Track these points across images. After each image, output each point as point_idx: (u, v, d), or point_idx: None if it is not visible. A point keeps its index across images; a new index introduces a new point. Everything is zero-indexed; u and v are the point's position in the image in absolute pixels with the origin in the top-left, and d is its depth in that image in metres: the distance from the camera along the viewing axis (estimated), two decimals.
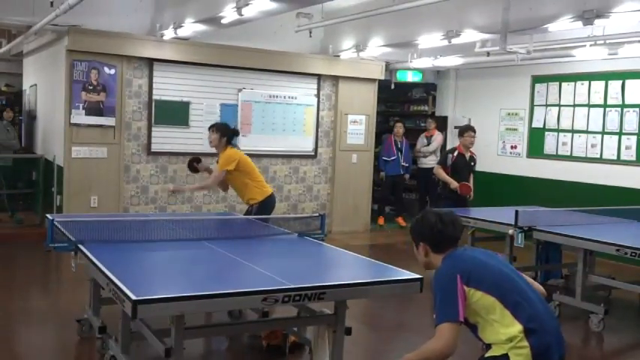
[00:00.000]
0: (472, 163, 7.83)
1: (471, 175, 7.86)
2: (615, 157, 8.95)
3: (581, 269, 5.94)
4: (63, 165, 8.36)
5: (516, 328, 2.68)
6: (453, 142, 11.64)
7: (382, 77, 10.43)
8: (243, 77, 9.36)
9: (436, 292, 2.77)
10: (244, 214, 6.36)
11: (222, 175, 6.17)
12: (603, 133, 9.11)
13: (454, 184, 7.51)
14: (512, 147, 10.48)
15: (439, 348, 2.67)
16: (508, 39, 6.67)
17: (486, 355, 2.75)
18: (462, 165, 7.67)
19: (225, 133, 6.23)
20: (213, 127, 6.26)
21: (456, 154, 7.70)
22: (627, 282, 6.26)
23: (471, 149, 7.81)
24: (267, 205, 6.24)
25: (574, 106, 9.53)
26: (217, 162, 6.30)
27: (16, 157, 9.43)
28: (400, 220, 10.98)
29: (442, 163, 7.76)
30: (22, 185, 9.78)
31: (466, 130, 7.75)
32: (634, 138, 8.76)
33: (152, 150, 8.83)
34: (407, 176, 11.19)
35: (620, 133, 8.92)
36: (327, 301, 3.64)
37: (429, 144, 11.27)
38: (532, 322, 2.69)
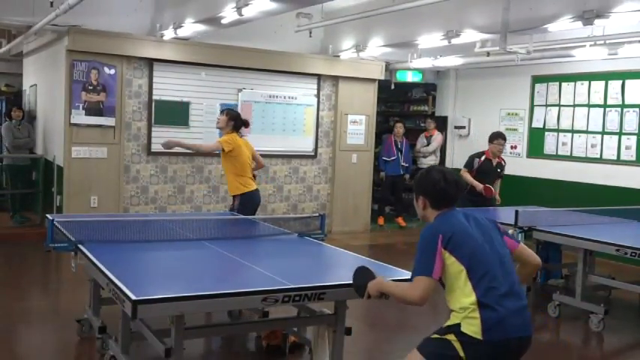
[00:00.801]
0: (499, 170, 7.71)
1: (498, 180, 7.79)
2: (615, 157, 8.95)
3: (581, 269, 5.94)
4: (63, 165, 8.36)
5: (471, 298, 2.83)
6: (452, 142, 11.67)
7: (382, 77, 10.43)
8: (243, 77, 9.36)
9: (419, 247, 2.97)
10: (230, 208, 6.51)
11: (217, 146, 6.29)
12: (603, 133, 9.11)
13: (479, 186, 7.45)
14: (512, 147, 10.48)
15: (411, 296, 2.91)
16: (508, 39, 6.68)
17: (444, 324, 2.92)
18: (487, 170, 7.59)
19: (234, 118, 6.33)
20: (225, 110, 6.42)
21: (483, 158, 7.61)
22: (627, 282, 6.26)
23: (500, 155, 7.70)
24: (248, 198, 6.29)
25: (574, 106, 9.53)
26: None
27: (16, 157, 9.42)
28: (400, 220, 10.98)
29: (468, 166, 7.66)
30: (21, 185, 9.77)
31: (495, 138, 7.60)
32: (634, 138, 8.76)
33: (152, 150, 8.82)
34: (407, 176, 11.18)
35: (620, 133, 8.92)
36: (327, 301, 3.64)
37: (428, 144, 11.28)
38: (488, 296, 2.82)
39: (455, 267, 2.88)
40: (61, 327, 5.24)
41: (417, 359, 2.97)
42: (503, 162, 7.76)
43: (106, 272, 3.49)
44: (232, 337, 5.20)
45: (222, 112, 6.48)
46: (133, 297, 3.00)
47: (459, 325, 2.84)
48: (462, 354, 2.82)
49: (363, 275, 3.25)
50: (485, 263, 2.89)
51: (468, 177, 7.52)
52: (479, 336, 2.78)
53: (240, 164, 6.29)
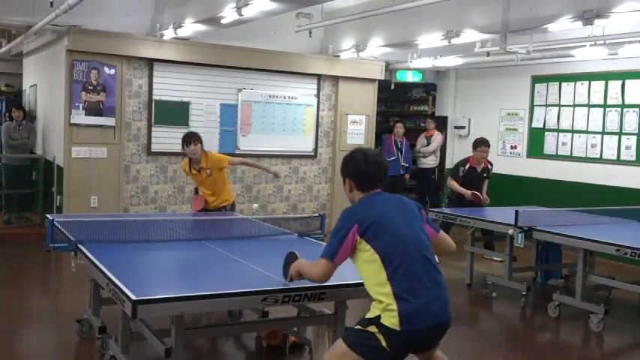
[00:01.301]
0: (485, 175, 7.81)
1: (485, 183, 7.88)
2: (615, 157, 8.95)
3: (581, 269, 5.94)
4: (63, 165, 8.36)
5: (386, 289, 2.90)
6: (452, 142, 11.67)
7: (382, 77, 10.43)
8: (243, 77, 9.36)
9: (334, 228, 3.05)
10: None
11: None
12: (603, 133, 9.11)
13: (467, 193, 7.57)
14: (512, 147, 10.48)
15: (313, 274, 3.12)
16: (508, 39, 6.67)
17: (366, 316, 2.98)
18: (472, 177, 7.72)
19: (201, 141, 6.22)
20: (195, 139, 6.13)
21: (467, 166, 7.72)
22: (627, 282, 6.25)
23: (485, 160, 7.78)
24: (234, 208, 6.49)
25: (574, 106, 9.53)
26: (202, 170, 6.17)
27: (16, 157, 9.41)
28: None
29: (453, 175, 7.76)
30: (18, 185, 9.77)
31: (479, 145, 7.68)
32: (634, 138, 8.76)
33: (152, 150, 8.82)
34: (407, 176, 11.18)
35: (620, 133, 8.92)
36: (327, 301, 3.64)
37: (428, 144, 11.27)
38: (404, 288, 2.89)
39: (369, 255, 2.95)
40: (61, 327, 5.24)
41: (341, 349, 3.02)
42: (489, 165, 7.85)
43: (106, 272, 3.49)
44: (232, 337, 5.20)
45: (192, 141, 6.08)
46: (133, 297, 3.00)
47: (379, 317, 2.91)
48: (384, 344, 2.89)
49: (289, 260, 3.36)
50: (402, 253, 2.93)
51: (455, 185, 7.68)
52: (397, 327, 2.86)
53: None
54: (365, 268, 3.00)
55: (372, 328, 2.93)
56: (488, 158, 7.87)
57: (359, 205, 3.09)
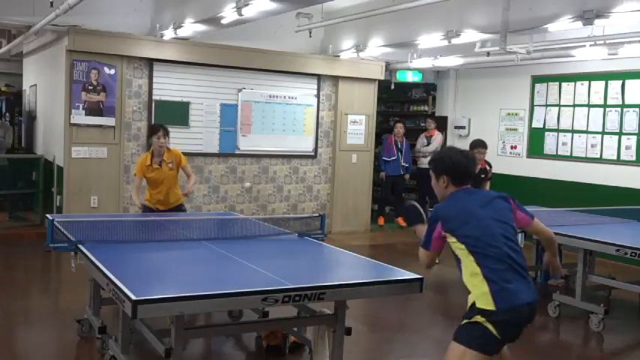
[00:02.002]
0: (482, 175, 7.76)
1: (487, 183, 7.87)
2: (615, 157, 8.95)
3: (581, 269, 5.94)
4: (63, 165, 8.36)
5: (478, 275, 3.09)
6: (453, 142, 11.67)
7: (382, 77, 10.43)
8: (243, 77, 9.36)
9: (428, 221, 3.37)
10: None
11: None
12: (603, 133, 9.11)
13: None
14: (512, 147, 10.48)
15: (421, 260, 3.40)
16: (508, 39, 6.67)
17: (467, 308, 3.13)
18: None
19: (169, 133, 6.27)
20: (165, 131, 6.14)
21: None
22: (627, 282, 6.26)
23: (482, 161, 7.68)
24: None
25: (574, 106, 9.53)
26: (163, 162, 6.19)
27: (16, 157, 9.42)
28: (400, 220, 10.97)
29: None
30: (22, 185, 9.78)
31: (475, 146, 7.60)
32: (634, 138, 8.76)
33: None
34: (407, 176, 11.19)
35: (620, 133, 8.92)
36: (327, 301, 3.64)
37: (429, 144, 11.27)
38: (492, 272, 3.07)
39: (457, 245, 3.17)
40: (61, 327, 5.24)
41: (459, 350, 3.08)
42: (487, 166, 7.81)
43: (106, 272, 3.49)
44: (232, 337, 5.20)
45: (162, 134, 6.09)
46: (133, 297, 3.01)
47: (474, 303, 3.07)
48: (494, 331, 3.02)
49: (415, 216, 3.61)
50: (488, 241, 3.12)
51: None
52: (492, 307, 3.01)
53: None
54: (458, 258, 3.22)
55: (478, 318, 3.04)
56: (486, 159, 7.87)
57: (446, 202, 3.33)
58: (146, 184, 6.34)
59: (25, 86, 11.21)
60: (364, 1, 8.08)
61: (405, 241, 9.96)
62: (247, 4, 6.33)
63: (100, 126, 8.41)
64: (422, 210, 3.62)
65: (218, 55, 8.96)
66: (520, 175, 10.09)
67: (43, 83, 9.84)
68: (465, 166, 3.35)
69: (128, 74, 8.58)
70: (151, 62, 8.68)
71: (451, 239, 3.20)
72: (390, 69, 10.79)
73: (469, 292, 3.15)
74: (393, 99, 12.70)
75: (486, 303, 3.03)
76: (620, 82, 8.91)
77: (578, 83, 9.45)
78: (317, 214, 5.28)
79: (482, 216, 3.20)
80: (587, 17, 6.02)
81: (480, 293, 3.07)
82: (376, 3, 7.37)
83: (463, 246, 3.15)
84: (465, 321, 3.12)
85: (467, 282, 3.17)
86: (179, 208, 6.35)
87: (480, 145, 7.68)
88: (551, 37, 7.76)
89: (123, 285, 3.19)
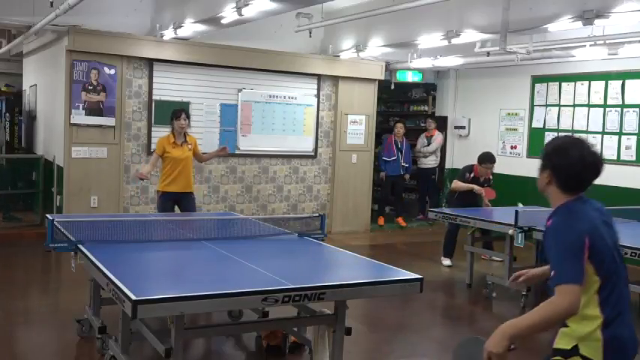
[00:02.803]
0: (486, 184, 7.91)
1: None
2: (615, 157, 8.94)
3: None
4: (63, 165, 8.36)
5: (595, 316, 2.43)
6: (452, 142, 11.68)
7: (382, 77, 10.43)
8: (243, 77, 9.36)
9: (559, 246, 2.44)
10: (184, 203, 6.81)
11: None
12: (603, 133, 9.11)
13: (479, 188, 7.67)
14: (512, 147, 10.49)
15: (564, 307, 2.32)
16: (508, 39, 6.68)
17: (555, 345, 2.49)
18: (475, 184, 7.81)
19: (190, 117, 6.94)
20: (186, 114, 6.77)
21: (472, 175, 7.81)
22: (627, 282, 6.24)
23: (489, 172, 7.88)
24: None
25: (574, 106, 9.53)
26: (185, 144, 6.78)
27: (16, 157, 9.41)
28: (400, 220, 10.98)
29: (460, 178, 7.86)
30: (22, 185, 9.78)
31: (483, 162, 7.73)
32: (634, 138, 8.76)
33: (152, 150, 8.81)
34: (407, 176, 11.19)
35: (620, 133, 8.92)
36: (327, 301, 3.64)
37: (429, 144, 11.28)
38: (614, 315, 2.44)
39: (589, 277, 2.42)
40: (61, 327, 5.24)
41: None
42: (490, 177, 7.95)
43: (106, 272, 3.49)
44: (232, 337, 5.20)
45: (181, 116, 6.70)
46: (133, 297, 3.00)
47: (576, 347, 2.43)
48: None
49: (469, 349, 2.56)
50: (616, 274, 2.50)
51: (460, 184, 7.76)
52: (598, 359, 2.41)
53: None
54: None
55: None
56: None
57: (578, 216, 2.52)
58: (162, 167, 6.79)
59: (25, 86, 11.21)
60: (364, 1, 8.08)
61: (405, 241, 9.97)
62: (247, 4, 6.34)
63: (100, 126, 8.41)
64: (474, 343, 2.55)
65: (218, 55, 8.96)
66: (520, 175, 10.09)
67: (43, 83, 9.84)
68: (580, 174, 2.57)
69: (128, 74, 8.58)
70: (150, 62, 8.68)
71: (588, 267, 2.44)
72: (390, 69, 10.80)
73: (565, 327, 2.47)
74: (393, 99, 12.70)
75: (593, 354, 2.40)
76: (620, 82, 8.91)
77: (578, 83, 9.45)
78: (317, 214, 5.27)
79: (607, 238, 2.53)
80: (587, 17, 6.02)
81: (588, 337, 2.42)
82: (376, 3, 7.37)
83: (597, 277, 2.43)
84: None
85: (572, 320, 2.45)
86: (190, 196, 6.86)
87: (488, 160, 7.74)
88: (551, 37, 7.76)
89: (123, 285, 3.19)
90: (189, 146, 6.77)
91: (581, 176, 2.57)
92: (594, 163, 2.56)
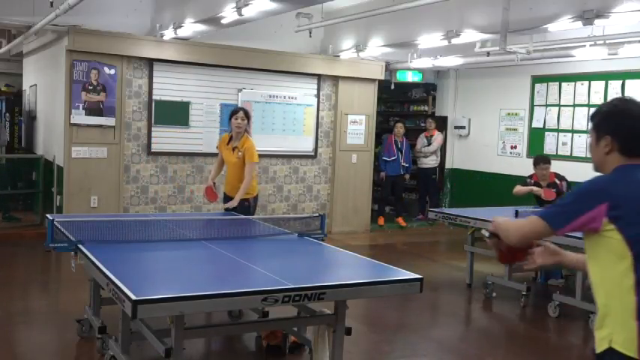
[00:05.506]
0: (554, 190, 7.19)
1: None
2: None
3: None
4: (63, 165, 8.36)
5: (629, 299, 2.16)
6: (452, 142, 11.68)
7: (382, 77, 10.43)
8: (243, 77, 9.36)
9: (570, 195, 2.34)
10: (239, 210, 6.15)
11: (255, 167, 6.11)
12: None
13: (537, 189, 7.15)
14: (512, 147, 10.48)
15: (517, 227, 2.39)
16: (508, 39, 6.68)
17: (597, 350, 2.32)
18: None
19: (250, 118, 6.19)
20: (245, 114, 6.09)
21: (532, 182, 7.32)
22: None
23: (551, 174, 7.26)
24: (257, 200, 6.37)
25: (574, 106, 9.53)
26: (236, 149, 6.09)
27: (16, 157, 9.41)
28: (400, 220, 10.98)
29: (522, 183, 7.40)
30: (22, 185, 9.77)
31: (537, 163, 7.27)
32: None
33: (152, 150, 8.83)
34: (407, 176, 11.19)
35: None
36: (327, 301, 3.64)
37: (429, 144, 11.28)
38: None
39: (617, 246, 2.18)
40: (61, 327, 5.24)
41: None
42: (556, 180, 7.26)
43: (106, 272, 3.48)
44: (232, 337, 5.20)
45: (236, 113, 6.06)
46: (133, 297, 3.00)
47: (610, 343, 2.22)
48: None
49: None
50: None
51: (520, 188, 7.30)
52: (634, 354, 2.15)
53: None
54: (605, 261, 2.24)
55: None
56: (556, 171, 7.39)
57: (613, 177, 2.30)
58: None
59: (25, 86, 11.21)
60: (364, 1, 8.08)
61: (405, 241, 9.97)
62: (247, 4, 6.34)
63: (100, 126, 8.41)
64: None
65: (218, 55, 8.96)
66: (520, 175, 10.05)
67: (43, 83, 9.84)
68: None
69: (128, 74, 8.59)
70: (151, 62, 8.68)
71: (613, 235, 2.18)
72: (390, 69, 10.80)
73: (599, 313, 2.28)
74: (393, 99, 12.70)
75: (626, 346, 2.16)
76: (620, 82, 8.91)
77: (578, 83, 9.46)
78: (317, 214, 5.27)
79: None
80: (587, 17, 6.02)
81: (621, 326, 2.18)
82: (376, 3, 7.37)
83: (628, 252, 2.17)
84: None
85: (603, 297, 2.25)
86: (242, 203, 6.08)
87: (541, 160, 7.28)
88: (551, 37, 7.76)
89: (123, 285, 3.19)
90: (240, 154, 6.04)
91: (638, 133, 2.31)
92: None
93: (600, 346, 2.26)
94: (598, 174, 2.40)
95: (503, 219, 2.53)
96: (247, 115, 6.12)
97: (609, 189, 2.24)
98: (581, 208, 2.22)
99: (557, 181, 7.25)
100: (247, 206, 6.12)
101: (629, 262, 2.17)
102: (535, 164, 7.35)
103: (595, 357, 2.30)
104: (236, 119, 6.05)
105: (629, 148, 2.31)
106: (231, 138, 6.18)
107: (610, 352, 2.20)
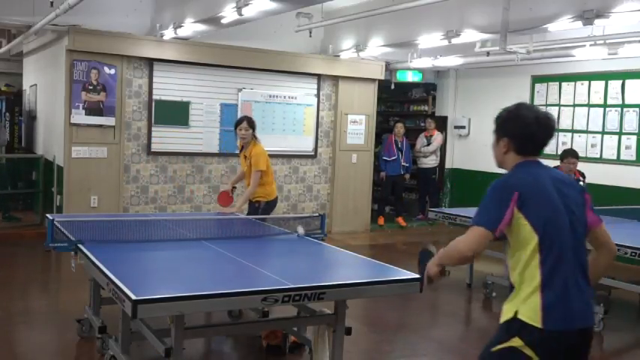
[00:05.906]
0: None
1: None
2: (615, 157, 8.95)
3: None
4: (63, 165, 8.36)
5: (535, 276, 2.46)
6: (452, 142, 11.68)
7: (382, 77, 10.43)
8: (243, 77, 9.36)
9: (487, 196, 2.55)
10: (247, 212, 6.30)
11: (260, 174, 6.07)
12: (603, 133, 9.12)
13: None
14: None
15: (461, 247, 2.51)
16: (508, 39, 6.68)
17: (501, 319, 2.54)
18: None
19: (255, 126, 6.18)
20: (246, 122, 6.13)
21: None
22: (627, 282, 6.26)
23: (575, 172, 7.10)
24: (272, 205, 6.27)
25: (574, 106, 9.53)
26: (247, 157, 6.16)
27: (16, 156, 9.41)
28: (400, 220, 10.98)
29: None
30: (22, 185, 9.77)
31: (565, 157, 7.10)
32: (634, 138, 8.76)
33: (152, 150, 8.83)
34: (407, 176, 11.19)
35: (620, 133, 8.93)
36: (327, 301, 3.64)
37: (429, 144, 11.28)
38: (554, 277, 2.45)
39: (526, 232, 2.48)
40: (61, 327, 5.24)
41: None
42: (580, 177, 7.19)
43: (106, 272, 3.49)
44: (232, 337, 5.20)
45: (240, 124, 6.11)
46: (133, 297, 3.00)
47: (515, 315, 2.46)
48: (531, 354, 2.43)
49: (425, 258, 2.79)
50: (559, 237, 2.48)
51: None
52: (538, 324, 2.41)
53: (270, 169, 6.24)
54: (517, 245, 2.52)
55: (515, 342, 2.44)
56: (579, 169, 7.25)
57: (515, 173, 2.61)
58: None
59: (25, 86, 11.21)
60: (364, 1, 8.08)
61: (405, 241, 9.97)
62: (247, 4, 6.34)
63: (100, 126, 8.41)
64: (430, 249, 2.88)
65: (218, 55, 8.96)
66: None
67: (43, 83, 9.84)
68: (535, 135, 2.62)
69: (128, 74, 8.58)
70: (151, 62, 8.68)
71: (522, 222, 2.47)
72: (390, 69, 10.80)
73: (512, 291, 2.53)
74: (393, 99, 12.70)
75: (531, 317, 2.43)
76: (620, 82, 8.91)
77: (578, 83, 9.46)
78: (317, 214, 5.28)
79: (557, 204, 2.52)
80: (587, 17, 6.02)
81: (527, 299, 2.45)
82: (376, 3, 7.37)
83: (534, 235, 2.46)
84: (497, 347, 2.49)
85: (516, 277, 2.51)
86: (252, 205, 6.18)
87: (570, 154, 7.10)
88: (551, 37, 7.76)
89: (123, 285, 3.19)
90: (248, 162, 6.14)
91: (537, 136, 2.64)
92: (547, 122, 2.67)
93: (505, 316, 2.51)
94: (502, 170, 2.71)
95: (437, 256, 2.69)
96: (251, 124, 6.13)
97: (516, 182, 2.54)
98: (505, 203, 2.48)
99: (581, 179, 7.18)
100: (256, 208, 6.14)
101: (535, 243, 2.47)
102: (562, 158, 7.13)
103: (499, 327, 2.53)
104: (240, 130, 6.12)
105: (523, 148, 2.65)
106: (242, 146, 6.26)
107: (514, 320, 2.46)
